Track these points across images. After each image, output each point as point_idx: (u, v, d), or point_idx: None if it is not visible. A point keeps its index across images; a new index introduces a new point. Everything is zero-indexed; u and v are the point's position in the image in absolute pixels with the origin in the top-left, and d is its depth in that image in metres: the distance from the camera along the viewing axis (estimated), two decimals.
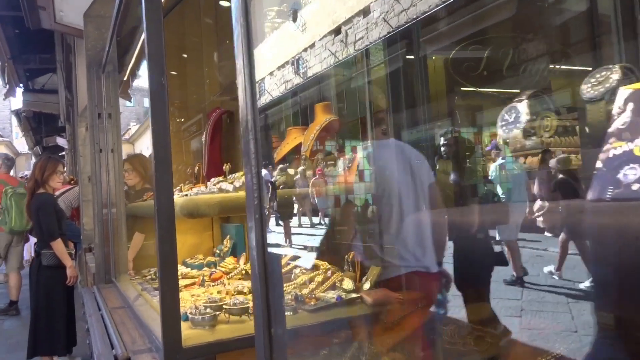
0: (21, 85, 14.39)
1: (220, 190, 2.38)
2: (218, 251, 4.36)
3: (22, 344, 5.13)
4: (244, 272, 3.40)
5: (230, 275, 3.37)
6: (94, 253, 6.14)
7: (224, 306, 2.32)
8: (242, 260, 3.94)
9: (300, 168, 2.51)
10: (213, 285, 3.26)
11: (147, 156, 5.49)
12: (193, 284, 3.36)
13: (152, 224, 4.70)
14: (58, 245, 4.82)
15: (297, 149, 3.11)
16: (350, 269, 2.71)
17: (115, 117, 4.12)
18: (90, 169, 7.50)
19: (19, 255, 8.13)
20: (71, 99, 9.47)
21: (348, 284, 2.65)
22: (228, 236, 4.23)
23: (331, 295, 2.56)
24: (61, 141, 15.62)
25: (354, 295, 2.49)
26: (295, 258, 3.38)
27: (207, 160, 4.15)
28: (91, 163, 4.17)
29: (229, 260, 3.90)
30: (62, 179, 4.99)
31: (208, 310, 2.23)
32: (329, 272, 2.87)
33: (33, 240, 13.00)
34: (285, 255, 3.45)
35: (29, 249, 13.57)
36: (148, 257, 4.41)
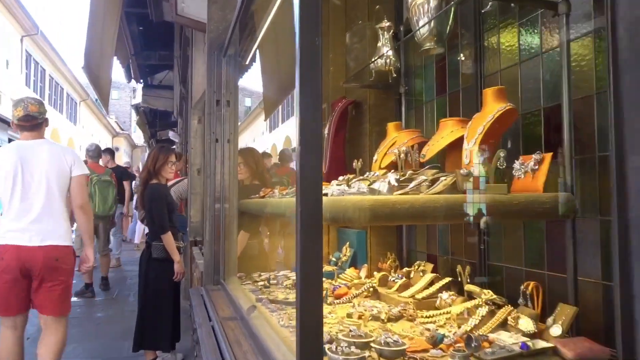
0: (141, 81, 14.85)
1: (372, 190, 1.76)
2: (334, 259, 3.78)
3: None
4: (371, 289, 2.77)
5: (357, 292, 2.75)
6: (200, 248, 5.81)
7: (372, 344, 1.70)
8: (363, 272, 3.34)
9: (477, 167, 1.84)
10: (338, 303, 2.66)
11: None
12: None
13: (258, 223, 4.22)
14: (168, 239, 4.50)
15: (454, 144, 2.44)
16: (529, 303, 1.99)
17: (234, 105, 3.67)
18: (199, 161, 7.32)
19: (104, 240, 8.28)
20: (185, 93, 9.41)
21: (527, 324, 1.94)
22: (347, 243, 3.64)
23: (508, 337, 1.87)
24: (172, 134, 15.98)
25: (542, 343, 1.78)
26: (437, 279, 2.71)
27: (329, 155, 3.57)
28: (205, 154, 3.75)
29: (350, 273, 3.30)
30: (174, 169, 4.65)
31: (353, 350, 1.61)
32: (486, 302, 2.18)
33: (139, 225, 13.33)
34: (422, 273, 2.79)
35: (141, 232, 13.92)
36: (253, 258, 3.93)
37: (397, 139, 3.01)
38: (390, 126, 3.09)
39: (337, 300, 2.71)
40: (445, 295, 2.51)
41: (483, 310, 2.12)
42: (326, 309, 2.59)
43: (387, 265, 3.24)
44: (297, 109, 1.43)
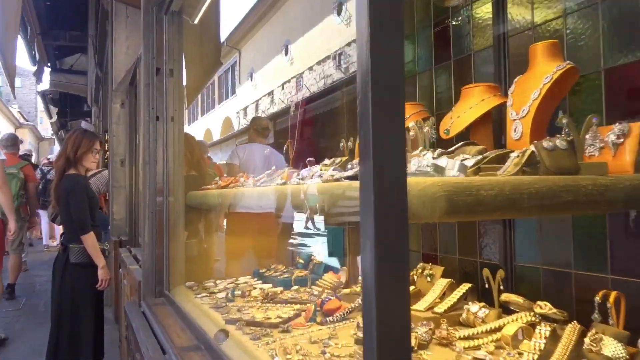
0: (49, 64, 13.28)
1: (437, 169, 1.17)
2: (302, 261, 3.15)
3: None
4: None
5: (354, 306, 2.15)
6: (129, 250, 4.96)
7: None
8: (343, 277, 2.74)
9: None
10: (332, 322, 2.05)
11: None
12: (296, 315, 2.16)
13: (201, 219, 3.50)
14: (90, 240, 3.65)
15: (486, 116, 1.89)
16: (609, 319, 1.49)
17: (178, 75, 2.92)
18: (123, 150, 6.38)
19: (18, 237, 7.17)
20: (103, 75, 8.33)
21: (614, 348, 1.44)
22: (319, 242, 3.02)
23: None
24: (85, 124, 14.50)
25: None
26: (452, 286, 2.17)
27: (297, 137, 2.93)
28: (144, 134, 2.96)
29: (329, 278, 2.69)
30: (98, 158, 3.79)
31: None
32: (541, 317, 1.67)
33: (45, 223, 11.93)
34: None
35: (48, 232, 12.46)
36: (200, 263, 3.21)
37: None
38: None
39: (330, 318, 2.09)
40: (474, 307, 1.97)
41: (545, 330, 1.59)
42: (319, 332, 1.97)
43: None
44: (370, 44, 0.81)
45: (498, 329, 1.79)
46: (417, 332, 1.76)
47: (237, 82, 19.85)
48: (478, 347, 1.71)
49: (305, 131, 3.00)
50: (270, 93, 16.46)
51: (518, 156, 1.37)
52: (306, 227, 1.78)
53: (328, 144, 3.09)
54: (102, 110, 9.45)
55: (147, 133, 2.93)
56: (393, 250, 0.86)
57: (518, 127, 1.68)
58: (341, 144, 2.39)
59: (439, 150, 1.60)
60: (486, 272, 2.06)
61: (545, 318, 1.72)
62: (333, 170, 1.82)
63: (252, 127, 4.96)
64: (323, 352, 1.66)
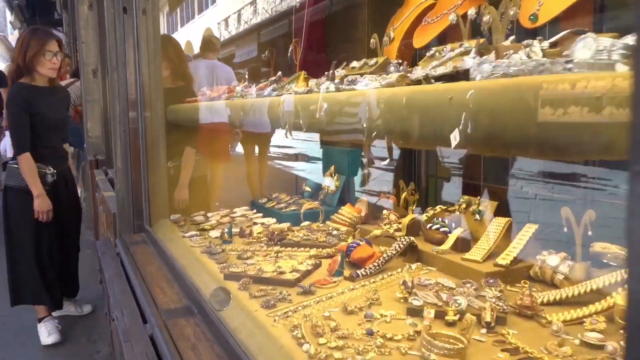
0: None
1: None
2: (309, 189, 2.61)
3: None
4: (405, 244, 1.66)
5: (391, 253, 1.63)
6: (106, 172, 4.37)
7: None
8: (363, 209, 2.21)
9: None
10: (365, 277, 1.54)
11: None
12: (315, 267, 1.64)
13: (202, 138, 2.74)
14: (24, 162, 2.94)
15: None
16: None
17: None
18: (95, 59, 5.60)
19: None
20: None
21: None
22: (333, 167, 2.47)
23: None
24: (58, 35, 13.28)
25: None
26: (509, 226, 1.66)
27: (305, 36, 2.31)
28: (109, 33, 2.28)
29: (347, 212, 2.16)
30: (57, 62, 3.05)
31: None
32: None
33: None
34: None
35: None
36: (192, 191, 2.66)
37: (435, 2, 1.80)
38: None
39: (362, 271, 1.57)
40: (553, 258, 1.47)
41: None
42: (352, 293, 1.46)
43: (401, 200, 2.14)
44: None
45: (597, 292, 1.30)
46: (488, 299, 1.26)
47: None
48: (579, 321, 1.22)
49: (313, 33, 2.33)
50: (253, 2, 15.21)
51: None
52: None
53: (337, 48, 2.44)
54: (72, 16, 8.43)
55: (113, 31, 2.25)
56: None
57: None
58: (372, 41, 1.77)
59: (546, 43, 1.01)
60: (565, 210, 1.54)
61: None
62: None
63: (201, 43, 4.34)
64: (369, 333, 1.15)
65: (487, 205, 1.82)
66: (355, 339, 1.15)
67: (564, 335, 1.15)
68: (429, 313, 1.24)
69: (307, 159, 3.20)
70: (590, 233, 1.49)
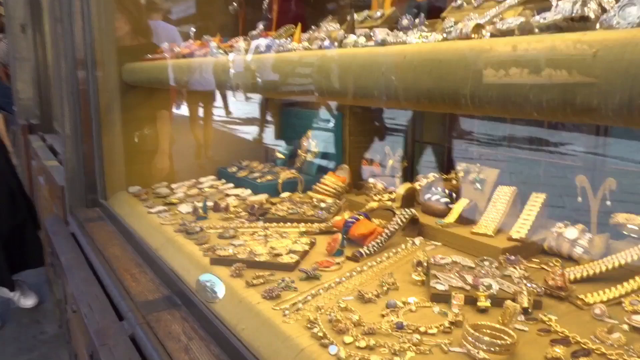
0: None
1: None
2: (284, 154, 2.40)
3: None
4: (406, 217, 1.52)
5: (393, 228, 1.48)
6: (43, 138, 3.95)
7: None
8: (345, 176, 2.04)
9: None
10: (371, 255, 1.38)
11: None
12: (311, 245, 1.47)
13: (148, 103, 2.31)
14: None
15: None
16: None
17: None
18: (22, 13, 5.03)
19: None
20: None
21: None
22: (309, 132, 2.27)
23: None
24: None
25: None
26: (515, 195, 1.55)
27: None
28: None
29: (331, 180, 1.99)
30: None
31: None
32: None
33: None
34: None
35: None
36: (147, 161, 2.40)
37: None
38: None
39: (366, 250, 1.41)
40: (571, 231, 1.37)
41: None
42: (362, 276, 1.30)
43: (388, 167, 1.99)
44: None
45: (626, 268, 1.21)
46: (517, 279, 1.14)
47: None
48: (617, 301, 1.12)
49: None
50: None
51: None
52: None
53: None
54: None
55: None
56: None
57: None
58: None
59: None
60: (581, 178, 1.44)
61: None
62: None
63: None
64: (399, 327, 1.00)
65: (488, 173, 1.70)
66: (384, 335, 0.99)
67: (607, 319, 1.05)
68: (458, 299, 1.11)
69: (266, 122, 2.97)
70: (608, 203, 1.40)
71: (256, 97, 2.61)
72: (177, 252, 1.49)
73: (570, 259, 1.36)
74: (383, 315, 1.07)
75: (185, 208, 1.89)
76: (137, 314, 1.26)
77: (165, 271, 1.43)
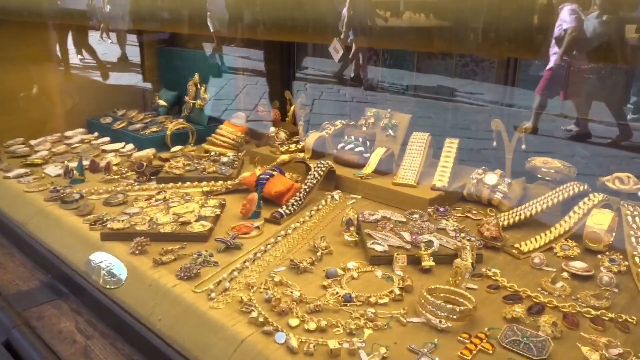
0: None
1: None
2: (164, 103, 2.11)
3: None
4: (323, 169, 1.40)
5: (310, 181, 1.35)
6: None
7: None
8: (243, 125, 1.85)
9: None
10: (293, 217, 1.24)
11: None
12: (221, 206, 1.28)
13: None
14: None
15: None
16: None
17: None
18: None
19: None
20: None
21: None
22: (197, 75, 1.99)
23: None
24: None
25: None
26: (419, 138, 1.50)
27: None
28: None
29: (229, 131, 1.78)
30: None
31: None
32: None
33: None
34: None
35: None
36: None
37: None
38: None
39: (287, 210, 1.26)
40: (490, 176, 1.34)
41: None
42: (291, 241, 1.16)
43: (290, 114, 1.82)
44: None
45: (548, 212, 1.21)
46: (451, 232, 1.08)
47: None
48: (547, 248, 1.11)
49: None
50: None
51: None
52: None
53: None
54: None
55: None
56: None
57: None
58: None
59: None
60: (497, 123, 1.42)
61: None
62: None
63: None
64: (347, 299, 0.88)
65: (399, 118, 1.61)
66: (333, 312, 0.87)
67: (546, 267, 1.03)
68: (402, 260, 1.02)
69: (142, 65, 2.60)
70: (524, 147, 1.40)
71: (131, 38, 2.24)
72: (54, 227, 1.21)
73: (489, 205, 1.35)
74: (325, 287, 0.94)
75: (53, 170, 1.56)
76: (10, 311, 0.99)
77: (41, 252, 1.15)
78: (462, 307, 0.85)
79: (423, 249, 1.03)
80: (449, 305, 0.84)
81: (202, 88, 1.96)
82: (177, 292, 0.93)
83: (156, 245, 1.08)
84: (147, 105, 2.24)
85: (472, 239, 1.08)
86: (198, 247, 1.08)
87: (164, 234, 1.11)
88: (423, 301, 0.86)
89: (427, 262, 1.01)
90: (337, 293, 0.92)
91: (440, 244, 1.05)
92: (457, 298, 0.89)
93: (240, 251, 1.08)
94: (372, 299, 0.90)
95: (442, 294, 0.90)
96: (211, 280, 0.96)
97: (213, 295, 0.91)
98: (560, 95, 2.42)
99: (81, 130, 1.98)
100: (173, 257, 1.04)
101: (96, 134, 1.94)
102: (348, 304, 0.89)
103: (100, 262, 1.05)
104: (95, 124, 1.99)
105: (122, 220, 1.15)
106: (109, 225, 1.13)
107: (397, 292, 0.92)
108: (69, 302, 1.02)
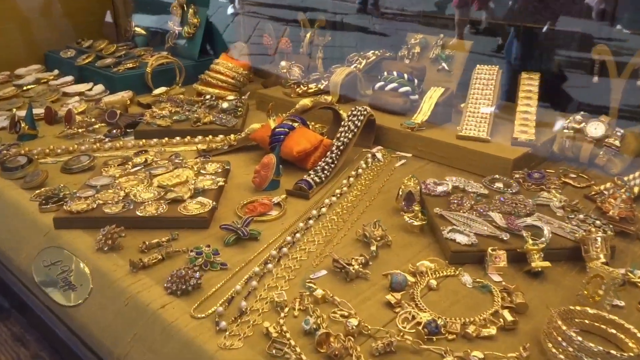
0: None
1: None
2: (142, 31, 1.76)
3: None
4: (361, 119, 1.09)
5: (344, 136, 1.04)
6: None
7: None
8: (245, 59, 1.52)
9: None
10: (327, 186, 0.95)
11: None
12: (225, 173, 0.98)
13: None
14: None
15: None
16: None
17: None
18: None
19: None
20: None
21: None
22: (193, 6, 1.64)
23: None
24: None
25: None
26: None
27: None
28: None
29: (226, 65, 1.44)
30: None
31: None
32: None
33: None
34: None
35: None
36: None
37: None
38: None
39: (316, 178, 0.96)
40: (596, 126, 1.02)
41: None
42: (316, 227, 0.87)
43: (305, 44, 1.48)
44: None
45: None
46: (561, 212, 0.79)
47: None
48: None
49: None
50: None
51: None
52: None
53: None
54: None
55: None
56: None
57: None
58: None
59: None
60: (602, 49, 1.09)
61: None
62: None
63: None
64: (432, 332, 0.60)
65: (456, 45, 1.28)
66: (412, 353, 0.59)
67: None
68: (499, 259, 0.73)
69: None
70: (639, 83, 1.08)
71: None
72: None
73: (592, 165, 1.04)
74: (391, 305, 0.66)
75: None
76: None
77: None
78: (624, 354, 0.56)
79: (530, 240, 0.74)
80: (600, 348, 0.55)
81: (191, 10, 1.60)
82: (166, 318, 0.64)
83: (134, 235, 0.78)
84: (121, 34, 1.87)
85: (598, 222, 0.79)
86: (196, 237, 0.79)
87: (145, 219, 0.81)
88: (555, 333, 0.58)
89: (539, 263, 0.72)
90: (413, 318, 0.63)
91: (552, 232, 0.76)
92: (607, 327, 0.60)
93: (258, 243, 0.79)
94: (471, 329, 0.61)
95: (578, 319, 0.61)
96: (218, 297, 0.67)
97: (223, 324, 0.62)
98: None
99: (36, 67, 1.65)
100: (159, 257, 0.74)
101: (56, 71, 1.61)
102: (434, 338, 0.60)
103: (55, 264, 0.76)
104: (55, 58, 1.66)
105: (86, 198, 0.85)
106: (66, 206, 0.83)
107: (508, 317, 0.63)
108: (8, 325, 0.74)
